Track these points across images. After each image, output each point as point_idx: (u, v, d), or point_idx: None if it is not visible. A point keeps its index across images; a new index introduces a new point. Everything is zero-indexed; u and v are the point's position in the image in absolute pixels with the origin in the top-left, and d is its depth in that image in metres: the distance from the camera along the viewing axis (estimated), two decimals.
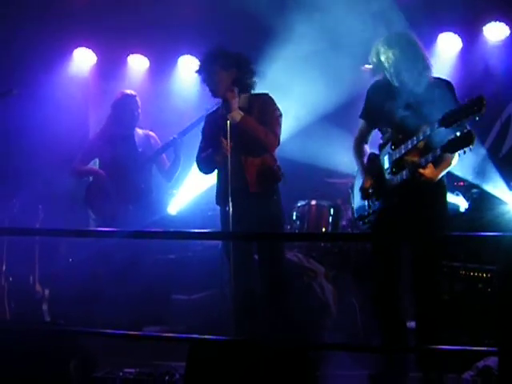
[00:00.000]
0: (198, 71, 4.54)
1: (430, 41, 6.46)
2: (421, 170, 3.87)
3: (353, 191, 4.47)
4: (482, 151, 6.26)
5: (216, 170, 4.60)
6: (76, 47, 7.08)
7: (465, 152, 3.70)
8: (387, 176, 4.09)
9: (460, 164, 4.06)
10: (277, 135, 4.47)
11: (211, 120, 4.62)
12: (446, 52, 6.65)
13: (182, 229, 6.00)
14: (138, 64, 7.25)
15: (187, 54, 7.12)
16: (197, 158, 4.65)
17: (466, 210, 5.95)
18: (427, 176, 3.89)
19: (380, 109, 4.13)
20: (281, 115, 4.53)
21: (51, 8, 6.46)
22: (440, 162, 3.92)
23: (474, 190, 5.99)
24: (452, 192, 5.72)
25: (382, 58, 4.08)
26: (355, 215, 4.43)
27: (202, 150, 4.62)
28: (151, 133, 5.72)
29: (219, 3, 6.42)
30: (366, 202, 4.25)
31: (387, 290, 4.09)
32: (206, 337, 3.28)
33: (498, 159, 6.38)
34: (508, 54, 6.57)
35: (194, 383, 3.33)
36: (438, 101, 3.89)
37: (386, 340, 4.11)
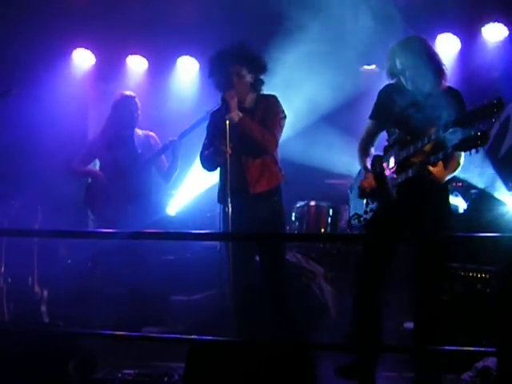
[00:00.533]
0: (215, 65, 4.51)
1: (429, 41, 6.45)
2: (430, 168, 3.87)
3: (352, 192, 4.48)
4: (481, 152, 6.25)
5: (219, 169, 4.60)
6: (75, 48, 7.08)
7: (477, 151, 3.69)
8: (390, 175, 4.10)
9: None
10: (275, 137, 4.47)
11: (215, 118, 4.62)
12: (444, 53, 6.63)
13: (181, 230, 6.01)
14: (136, 65, 7.25)
15: (186, 54, 7.12)
16: (200, 154, 4.65)
17: (465, 210, 5.95)
18: (436, 174, 3.89)
19: (391, 110, 4.15)
20: (284, 118, 4.54)
21: (50, 9, 6.46)
22: (449, 161, 3.92)
23: (473, 191, 5.99)
24: (451, 193, 5.72)
25: (397, 62, 4.10)
26: (350, 213, 4.43)
27: (205, 146, 4.62)
28: (151, 133, 5.72)
29: (218, 4, 6.42)
30: (364, 201, 4.25)
31: (372, 286, 4.07)
32: (205, 338, 3.28)
33: (496, 160, 6.38)
34: (507, 54, 6.57)
35: None
36: (449, 107, 3.90)
37: (357, 331, 4.10)
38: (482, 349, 4.02)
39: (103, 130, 5.67)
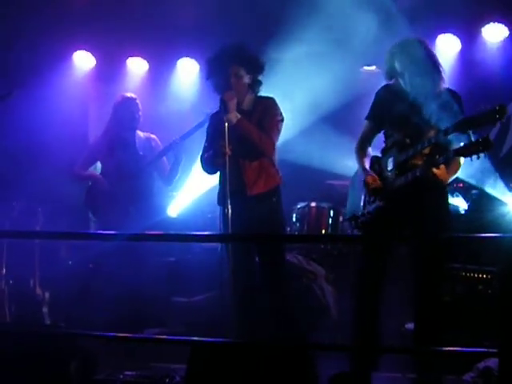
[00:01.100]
0: (213, 67, 4.50)
1: (429, 42, 6.44)
2: (434, 170, 3.87)
3: (349, 193, 4.48)
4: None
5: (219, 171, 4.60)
6: (75, 50, 7.09)
7: (478, 157, 3.67)
8: (390, 177, 4.09)
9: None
10: (272, 140, 4.45)
11: (215, 120, 4.61)
12: (444, 53, 6.64)
13: (183, 231, 6.02)
14: (137, 67, 7.26)
15: (186, 56, 7.13)
16: (201, 157, 4.65)
17: (466, 211, 5.95)
18: (439, 176, 3.89)
19: (388, 112, 4.14)
20: (282, 120, 4.53)
21: (51, 11, 6.47)
22: (450, 163, 3.93)
23: (474, 191, 5.99)
24: (451, 193, 5.72)
25: (396, 63, 4.10)
26: (347, 215, 4.42)
27: (205, 149, 4.62)
28: (152, 135, 5.72)
29: (218, 6, 6.43)
30: (361, 203, 4.25)
31: (372, 286, 4.06)
32: (206, 339, 3.28)
33: (497, 160, 6.37)
34: (507, 54, 6.57)
35: None
36: (448, 109, 3.90)
37: (357, 335, 4.08)
38: (484, 349, 4.01)
39: (104, 133, 5.67)
